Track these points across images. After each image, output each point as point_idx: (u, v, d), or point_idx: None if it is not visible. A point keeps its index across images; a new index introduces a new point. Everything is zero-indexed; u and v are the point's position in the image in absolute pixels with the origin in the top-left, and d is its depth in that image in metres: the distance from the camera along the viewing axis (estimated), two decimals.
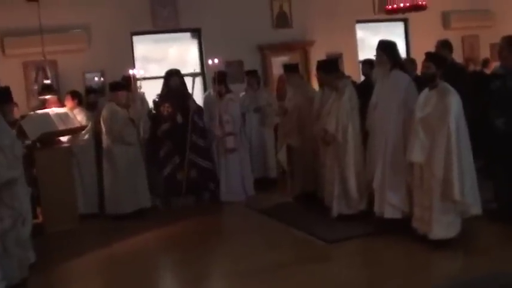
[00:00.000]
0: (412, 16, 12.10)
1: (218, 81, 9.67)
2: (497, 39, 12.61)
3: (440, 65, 6.33)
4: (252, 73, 10.71)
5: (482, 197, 6.35)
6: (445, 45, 8.32)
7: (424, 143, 6.20)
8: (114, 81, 9.44)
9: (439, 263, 6.00)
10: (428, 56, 6.44)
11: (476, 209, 6.24)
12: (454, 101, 6.10)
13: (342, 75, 8.25)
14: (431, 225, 6.19)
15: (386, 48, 7.12)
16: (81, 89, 10.18)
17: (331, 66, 8.21)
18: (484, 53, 13.36)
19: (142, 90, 9.66)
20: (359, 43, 12.80)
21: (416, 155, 6.24)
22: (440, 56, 6.90)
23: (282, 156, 9.29)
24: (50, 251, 7.59)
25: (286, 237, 7.49)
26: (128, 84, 9.40)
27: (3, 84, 7.60)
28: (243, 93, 10.67)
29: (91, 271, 6.94)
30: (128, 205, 9.00)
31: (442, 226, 6.18)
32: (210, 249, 7.33)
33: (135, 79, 9.50)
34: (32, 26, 9.80)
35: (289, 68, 9.38)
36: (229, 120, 9.53)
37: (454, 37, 10.15)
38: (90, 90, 10.25)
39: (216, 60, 9.55)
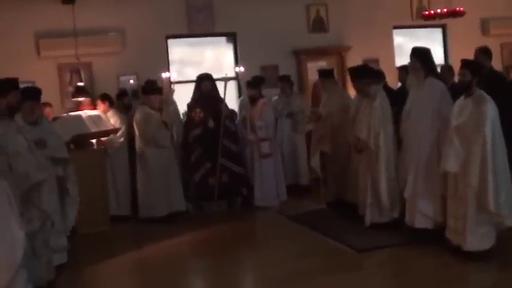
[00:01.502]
0: (450, 22, 11.92)
1: (251, 86, 9.63)
2: None
3: (476, 73, 6.17)
4: (285, 78, 10.64)
5: None
6: (483, 52, 8.18)
7: (459, 152, 6.06)
8: (147, 85, 9.47)
9: (473, 276, 5.90)
10: (464, 63, 6.30)
11: (511, 221, 6.08)
12: (490, 109, 5.96)
13: (378, 81, 8.10)
14: (466, 237, 6.04)
15: (420, 55, 7.00)
16: (115, 92, 10.23)
17: (361, 72, 8.06)
18: None
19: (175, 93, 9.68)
20: (396, 49, 12.64)
21: (451, 164, 6.10)
22: (476, 63, 6.75)
23: (316, 162, 9.22)
24: (81, 252, 7.61)
25: (318, 245, 7.39)
26: (157, 87, 9.40)
27: (38, 86, 7.64)
28: (276, 97, 10.62)
29: (120, 273, 6.94)
30: (161, 208, 9.01)
31: (477, 238, 6.03)
32: (240, 256, 7.31)
33: (169, 82, 9.50)
34: (66, 28, 9.95)
35: (324, 73, 9.30)
36: (262, 125, 9.47)
37: (492, 44, 9.93)
38: (123, 93, 10.28)
39: (242, 68, 9.54)
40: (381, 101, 7.50)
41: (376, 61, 11.77)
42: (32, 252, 5.40)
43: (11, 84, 5.77)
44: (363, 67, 8.38)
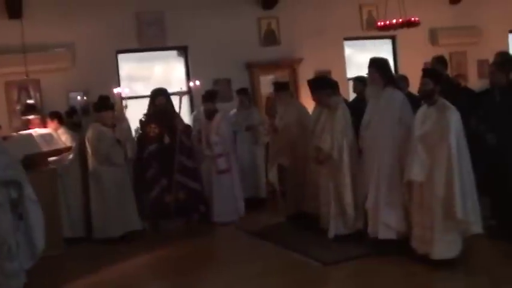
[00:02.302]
0: (400, 33, 12.03)
1: (207, 100, 9.52)
2: (484, 56, 12.82)
3: (438, 81, 6.24)
4: (243, 91, 10.57)
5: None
6: (440, 61, 8.32)
7: (424, 161, 6.10)
8: (100, 101, 9.20)
9: (441, 284, 5.94)
10: (426, 72, 6.36)
11: (477, 228, 6.15)
12: (454, 118, 6.02)
13: (336, 92, 8.07)
14: (433, 245, 6.08)
15: (378, 65, 7.05)
16: (65, 109, 9.94)
17: (321, 83, 8.05)
18: (472, 69, 13.38)
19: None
20: (346, 60, 12.70)
21: (416, 174, 6.12)
22: (437, 72, 6.83)
23: (273, 175, 9.15)
24: (34, 277, 7.24)
25: (282, 260, 7.27)
26: (109, 103, 9.17)
27: None
28: (234, 110, 10.52)
29: None
30: (117, 228, 8.78)
31: (444, 246, 6.07)
32: (201, 275, 7.11)
33: (121, 98, 9.29)
34: (14, 44, 9.63)
35: (279, 86, 9.25)
36: (218, 141, 9.34)
37: (442, 53, 10.05)
38: (72, 111, 10.00)
39: (197, 82, 9.42)
40: (343, 112, 7.48)
41: (329, 73, 11.76)
42: None
43: None
44: (322, 78, 8.40)
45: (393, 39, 13.10)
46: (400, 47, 13.07)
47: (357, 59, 12.46)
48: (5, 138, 8.64)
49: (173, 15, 11.08)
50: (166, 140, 9.14)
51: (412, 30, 10.89)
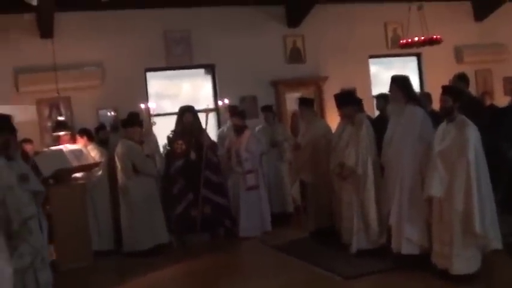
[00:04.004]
0: (425, 51, 12.11)
1: (237, 116, 9.70)
2: (510, 73, 12.81)
3: (458, 98, 6.27)
4: (268, 108, 10.73)
5: (501, 231, 6.25)
6: (461, 79, 8.32)
7: (443, 177, 6.11)
8: (129, 117, 9.42)
9: None
10: (445, 89, 6.40)
11: (496, 243, 6.15)
12: (473, 134, 6.05)
13: (361, 109, 8.15)
14: (452, 261, 6.07)
15: (400, 83, 7.08)
16: (94, 126, 10.20)
17: (348, 98, 8.10)
18: (498, 86, 13.36)
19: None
20: (372, 78, 12.81)
21: (436, 189, 6.15)
22: (457, 89, 6.87)
23: (296, 191, 9.20)
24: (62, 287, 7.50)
25: (304, 274, 7.33)
26: (137, 120, 9.37)
27: (17, 121, 7.57)
28: (260, 127, 10.65)
29: None
30: (146, 241, 8.92)
31: (463, 261, 6.06)
32: None
33: (149, 114, 9.49)
34: (46, 63, 9.92)
35: (304, 102, 9.20)
36: (248, 157, 9.47)
37: (467, 71, 10.00)
38: (100, 127, 10.24)
39: (226, 101, 9.54)
40: (367, 129, 7.54)
41: (353, 90, 11.85)
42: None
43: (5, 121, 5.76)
44: (348, 93, 8.35)
45: (418, 56, 13.17)
46: (425, 64, 13.14)
47: (383, 76, 12.53)
48: (36, 153, 8.91)
49: (200, 34, 11.33)
50: (193, 155, 9.29)
51: (437, 47, 10.97)
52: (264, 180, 9.88)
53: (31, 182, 6.33)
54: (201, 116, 9.68)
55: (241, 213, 9.49)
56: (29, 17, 10.12)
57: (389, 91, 7.21)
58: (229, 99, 10.11)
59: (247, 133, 9.65)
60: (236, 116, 9.74)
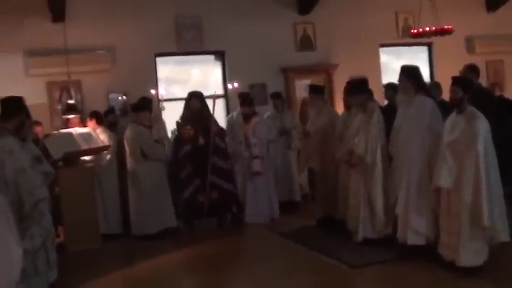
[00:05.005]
0: (436, 40, 12.06)
1: (246, 103, 9.69)
2: None
3: (468, 89, 6.24)
4: (277, 95, 10.69)
5: (509, 223, 6.24)
6: (471, 70, 8.28)
7: (452, 168, 6.10)
8: (140, 101, 9.43)
9: None
10: (455, 80, 6.36)
11: (504, 236, 6.15)
12: (482, 126, 6.02)
13: (371, 97, 8.13)
14: (459, 252, 6.07)
15: (409, 73, 7.03)
16: (104, 110, 10.22)
17: (362, 86, 8.01)
18: (509, 77, 13.30)
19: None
20: (382, 67, 12.78)
21: (444, 180, 6.14)
22: (467, 80, 6.84)
23: (304, 179, 9.21)
24: (70, 270, 7.55)
25: (310, 261, 7.38)
26: (147, 105, 9.39)
27: (27, 103, 7.58)
28: (268, 113, 10.63)
29: None
30: (154, 225, 8.97)
31: (470, 253, 6.05)
32: (232, 274, 7.26)
33: (158, 99, 9.51)
34: (57, 46, 9.93)
35: (314, 89, 9.15)
36: (257, 143, 9.50)
37: (478, 62, 10.01)
38: (109, 111, 10.27)
39: (235, 84, 9.54)
40: (378, 118, 7.53)
41: (366, 78, 11.80)
42: (34, 269, 5.38)
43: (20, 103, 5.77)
44: (362, 81, 8.21)
45: (429, 46, 13.13)
46: (436, 54, 13.09)
47: (394, 65, 12.50)
48: (46, 136, 8.96)
49: (211, 20, 11.32)
50: (201, 141, 9.30)
51: (448, 37, 10.90)
52: (272, 167, 9.87)
53: (43, 164, 6.39)
54: (209, 102, 9.66)
55: (248, 199, 9.54)
56: (40, 0, 10.12)
57: (399, 81, 7.17)
58: (239, 85, 10.10)
59: (254, 119, 9.68)
60: (245, 105, 9.74)
